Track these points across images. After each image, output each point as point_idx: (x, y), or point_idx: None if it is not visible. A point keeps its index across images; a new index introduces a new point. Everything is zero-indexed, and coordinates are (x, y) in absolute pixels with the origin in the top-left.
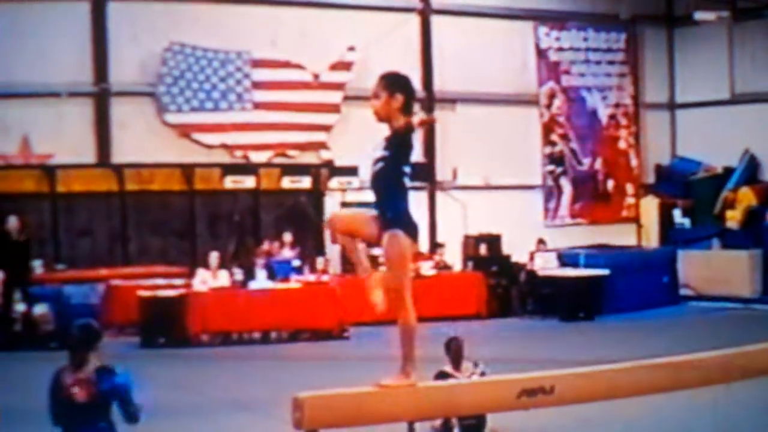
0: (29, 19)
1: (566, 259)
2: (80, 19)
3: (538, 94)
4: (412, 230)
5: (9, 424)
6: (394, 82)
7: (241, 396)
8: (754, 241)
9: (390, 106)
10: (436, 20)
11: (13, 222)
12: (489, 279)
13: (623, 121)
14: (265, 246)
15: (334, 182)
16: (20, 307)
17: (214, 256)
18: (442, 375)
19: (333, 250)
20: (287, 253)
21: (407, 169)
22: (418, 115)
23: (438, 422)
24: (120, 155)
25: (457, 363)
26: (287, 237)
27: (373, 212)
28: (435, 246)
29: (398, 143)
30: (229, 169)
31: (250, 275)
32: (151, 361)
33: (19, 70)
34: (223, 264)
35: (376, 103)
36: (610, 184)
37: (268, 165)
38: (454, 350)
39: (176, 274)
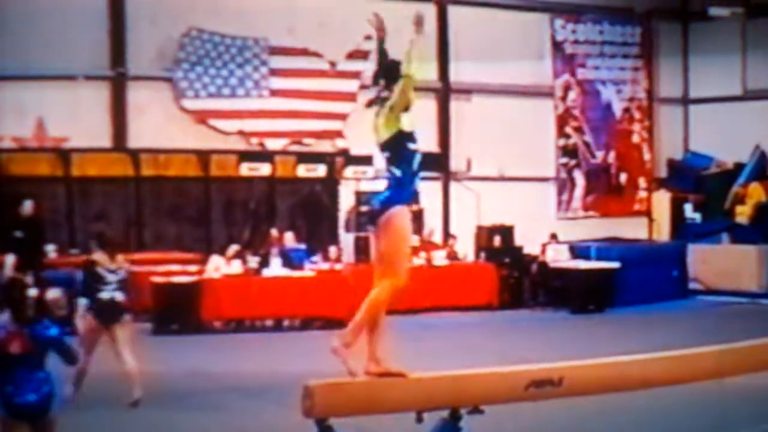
0: (46, 1)
1: (578, 251)
2: (98, 2)
3: (553, 87)
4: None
5: None
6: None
7: (253, 383)
8: (763, 237)
9: None
10: (452, 11)
11: (27, 206)
12: (501, 270)
13: (637, 115)
14: (274, 233)
15: (350, 171)
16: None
17: (232, 249)
18: (90, 264)
19: (346, 240)
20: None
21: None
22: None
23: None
24: (136, 140)
25: (111, 254)
26: (288, 235)
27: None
28: (448, 236)
29: None
30: (245, 156)
31: (264, 263)
32: (164, 347)
33: (35, 53)
34: (239, 253)
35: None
36: (623, 177)
37: (283, 153)
38: (108, 242)
39: (190, 260)
